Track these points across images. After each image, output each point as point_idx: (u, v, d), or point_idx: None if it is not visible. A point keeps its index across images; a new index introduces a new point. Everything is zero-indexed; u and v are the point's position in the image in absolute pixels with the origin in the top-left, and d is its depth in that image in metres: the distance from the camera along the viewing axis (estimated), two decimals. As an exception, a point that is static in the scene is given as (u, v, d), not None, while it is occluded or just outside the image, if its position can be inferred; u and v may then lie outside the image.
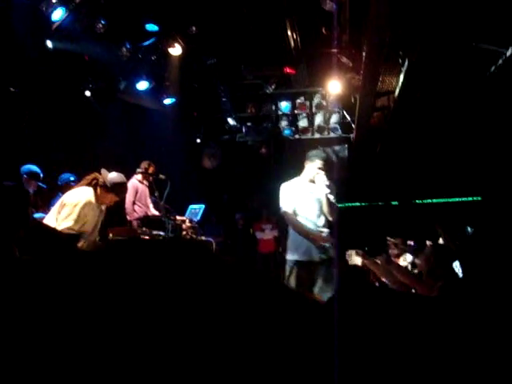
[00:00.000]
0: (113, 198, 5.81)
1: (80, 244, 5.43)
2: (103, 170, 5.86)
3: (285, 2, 8.35)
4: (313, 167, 5.88)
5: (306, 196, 5.89)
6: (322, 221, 5.87)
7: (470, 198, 12.33)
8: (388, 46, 7.39)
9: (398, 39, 7.30)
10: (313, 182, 5.88)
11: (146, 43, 9.46)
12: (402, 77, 8.28)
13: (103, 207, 5.84)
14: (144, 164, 8.64)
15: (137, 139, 10.50)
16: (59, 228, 5.20)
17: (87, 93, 9.40)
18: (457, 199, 12.60)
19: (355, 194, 12.78)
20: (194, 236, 8.09)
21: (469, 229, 5.84)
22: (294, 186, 5.97)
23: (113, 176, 5.79)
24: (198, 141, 12.80)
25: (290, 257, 5.74)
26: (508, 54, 7.34)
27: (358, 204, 13.23)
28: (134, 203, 8.56)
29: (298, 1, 8.44)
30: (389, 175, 12.89)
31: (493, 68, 7.61)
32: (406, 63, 7.89)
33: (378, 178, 12.86)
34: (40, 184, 6.89)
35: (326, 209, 5.80)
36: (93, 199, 5.64)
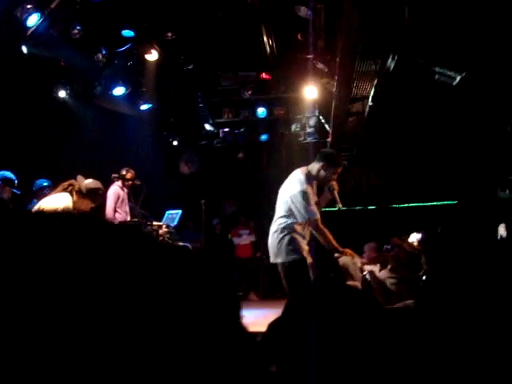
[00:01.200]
0: (88, 205, 5.80)
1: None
2: (79, 177, 5.86)
3: (260, 8, 8.41)
4: (330, 172, 5.22)
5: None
6: None
7: (446, 202, 12.48)
8: (360, 53, 7.49)
9: (370, 47, 7.40)
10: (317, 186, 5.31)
11: (122, 49, 9.46)
12: (375, 82, 8.39)
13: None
14: (123, 170, 8.61)
15: (113, 145, 10.47)
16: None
17: (61, 93, 9.33)
18: (433, 203, 12.73)
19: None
20: (171, 241, 8.09)
21: (439, 230, 5.97)
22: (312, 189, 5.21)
23: (88, 182, 5.80)
24: (175, 143, 12.79)
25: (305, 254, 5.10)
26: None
27: (334, 209, 13.32)
28: (115, 210, 8.48)
29: (273, 7, 8.52)
30: (364, 180, 13.03)
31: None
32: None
33: (354, 182, 12.99)
34: (14, 190, 6.86)
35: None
36: (70, 205, 5.64)
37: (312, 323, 1.04)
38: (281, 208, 5.20)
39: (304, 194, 5.03)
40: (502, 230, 7.25)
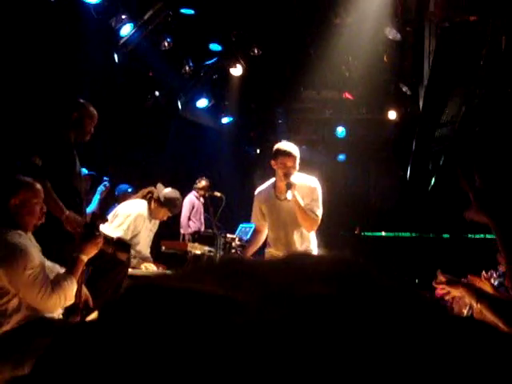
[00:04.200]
0: (166, 213, 5.87)
1: (135, 262, 5.52)
2: (159, 185, 5.94)
3: (347, 28, 8.38)
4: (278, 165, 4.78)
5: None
6: None
7: None
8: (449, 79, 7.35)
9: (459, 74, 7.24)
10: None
11: (209, 62, 9.64)
12: (463, 109, 8.18)
13: (156, 221, 5.92)
14: (199, 179, 8.78)
15: (194, 156, 10.65)
16: (111, 237, 5.30)
17: (148, 103, 9.58)
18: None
19: (405, 223, 12.63)
20: (242, 254, 8.11)
21: None
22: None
23: (167, 191, 5.85)
24: (258, 151, 12.84)
25: None
26: None
27: (407, 234, 13.05)
28: (189, 218, 8.66)
29: (360, 27, 8.47)
30: (442, 208, 12.69)
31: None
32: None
33: (430, 209, 12.67)
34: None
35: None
36: (145, 212, 5.72)
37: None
38: None
39: None
40: None
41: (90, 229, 3.32)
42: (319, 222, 4.74)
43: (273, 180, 4.94)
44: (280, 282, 0.48)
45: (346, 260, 0.54)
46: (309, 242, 4.84)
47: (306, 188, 4.74)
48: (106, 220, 3.87)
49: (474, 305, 2.55)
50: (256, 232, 5.16)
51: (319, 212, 4.71)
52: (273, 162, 4.74)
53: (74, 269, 3.23)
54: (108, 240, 3.55)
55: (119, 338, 0.44)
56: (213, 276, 0.50)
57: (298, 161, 4.70)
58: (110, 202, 7.44)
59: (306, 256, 0.58)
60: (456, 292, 2.71)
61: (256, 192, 5.06)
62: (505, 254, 1.61)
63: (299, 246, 4.78)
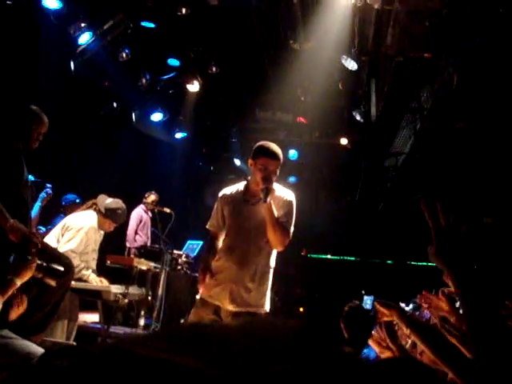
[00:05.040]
0: (111, 225, 5.83)
1: (81, 266, 5.44)
2: (100, 196, 5.88)
3: (305, 54, 8.51)
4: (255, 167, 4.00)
5: None
6: None
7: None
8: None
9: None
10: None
11: (166, 77, 9.63)
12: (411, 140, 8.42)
13: (102, 232, 5.88)
14: (148, 193, 8.72)
15: (145, 169, 10.57)
16: (61, 250, 5.22)
17: (101, 112, 9.48)
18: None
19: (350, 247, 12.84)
20: (189, 272, 8.09)
21: None
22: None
23: (108, 202, 5.81)
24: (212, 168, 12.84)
25: None
26: None
27: (352, 258, 13.26)
28: (136, 232, 8.57)
29: (318, 55, 8.61)
30: (387, 233, 12.93)
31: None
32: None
33: (376, 235, 12.90)
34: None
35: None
36: (96, 224, 5.68)
37: None
38: None
39: None
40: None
41: (23, 252, 3.25)
42: (288, 241, 3.95)
43: (243, 183, 4.11)
44: (245, 355, 0.51)
45: (303, 331, 0.58)
46: (267, 260, 3.98)
47: (281, 200, 3.98)
48: (38, 245, 3.79)
49: (404, 329, 2.54)
50: (213, 239, 4.14)
51: (291, 230, 3.96)
52: (251, 162, 3.93)
53: (3, 290, 3.12)
54: (39, 265, 3.47)
55: None
56: (182, 343, 0.53)
57: (279, 167, 3.92)
58: (55, 211, 7.31)
59: (267, 324, 0.62)
60: (388, 315, 2.69)
61: (220, 193, 4.15)
62: (464, 313, 1.36)
63: (255, 261, 3.92)
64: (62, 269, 3.89)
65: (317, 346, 0.55)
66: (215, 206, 4.15)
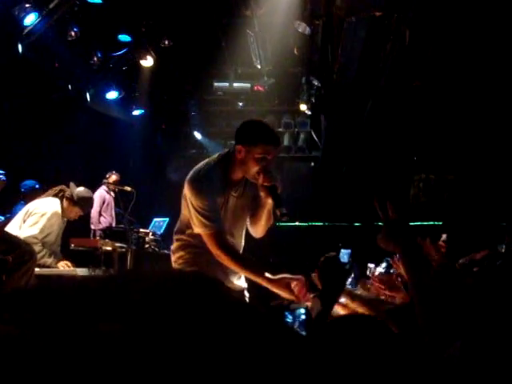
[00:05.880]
0: (78, 212, 5.92)
1: (43, 253, 5.38)
2: (71, 184, 5.94)
3: (258, 21, 8.41)
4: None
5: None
6: None
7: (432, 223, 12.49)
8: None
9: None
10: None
11: (118, 53, 9.42)
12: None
13: (65, 219, 5.88)
14: (109, 173, 8.61)
15: (104, 149, 10.40)
16: (22, 236, 5.18)
17: (54, 95, 9.25)
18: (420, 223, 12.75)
19: (317, 213, 12.88)
20: (157, 249, 8.04)
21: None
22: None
23: (80, 190, 5.86)
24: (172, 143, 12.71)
25: None
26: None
27: (320, 223, 13.33)
28: (100, 213, 8.47)
29: (271, 21, 8.52)
30: (353, 196, 13.03)
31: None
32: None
33: (342, 198, 12.98)
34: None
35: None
36: (59, 211, 5.69)
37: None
38: None
39: None
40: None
41: None
42: None
43: (211, 165, 3.17)
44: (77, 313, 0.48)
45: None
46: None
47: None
48: None
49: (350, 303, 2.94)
50: (226, 239, 3.20)
51: None
52: (240, 148, 3.06)
53: None
54: None
55: None
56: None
57: None
58: (14, 199, 7.16)
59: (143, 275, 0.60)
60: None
61: (204, 179, 3.10)
62: (409, 280, 1.84)
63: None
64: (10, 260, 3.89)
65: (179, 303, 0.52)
66: (207, 197, 3.08)
